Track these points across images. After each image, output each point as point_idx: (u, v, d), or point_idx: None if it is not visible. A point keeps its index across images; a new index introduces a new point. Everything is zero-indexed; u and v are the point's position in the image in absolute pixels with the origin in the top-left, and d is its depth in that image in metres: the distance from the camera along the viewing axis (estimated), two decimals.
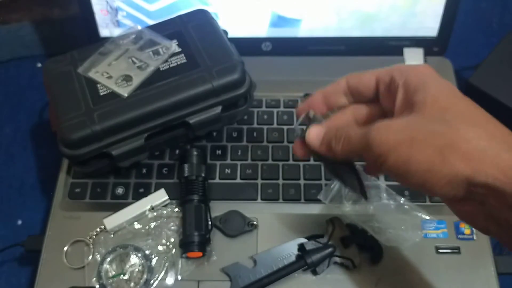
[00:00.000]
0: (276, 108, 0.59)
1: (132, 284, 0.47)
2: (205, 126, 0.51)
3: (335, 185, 0.50)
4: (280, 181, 0.54)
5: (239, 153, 0.56)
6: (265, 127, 0.58)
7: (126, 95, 0.49)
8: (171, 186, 0.53)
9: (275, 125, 0.58)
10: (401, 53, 0.64)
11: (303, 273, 0.48)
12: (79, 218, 0.52)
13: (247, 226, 0.50)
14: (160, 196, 0.52)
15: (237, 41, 0.54)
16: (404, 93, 0.35)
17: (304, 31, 0.62)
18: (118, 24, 0.62)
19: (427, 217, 0.50)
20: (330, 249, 0.48)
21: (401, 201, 0.50)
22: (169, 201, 0.52)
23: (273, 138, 0.57)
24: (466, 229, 0.50)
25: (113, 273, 0.48)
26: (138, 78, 0.50)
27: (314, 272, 0.48)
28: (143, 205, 0.51)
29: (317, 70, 0.63)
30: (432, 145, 0.31)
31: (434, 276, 0.48)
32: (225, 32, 0.55)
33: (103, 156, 0.49)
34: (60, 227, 0.51)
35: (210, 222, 0.50)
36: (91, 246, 0.50)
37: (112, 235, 0.50)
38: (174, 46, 0.52)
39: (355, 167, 0.40)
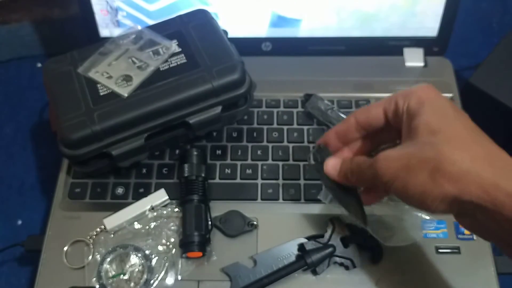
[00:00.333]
0: (276, 108, 0.59)
1: (132, 284, 0.47)
2: (205, 126, 0.51)
3: None
4: (280, 181, 0.54)
5: (239, 153, 0.56)
6: (265, 127, 0.58)
7: (126, 95, 0.49)
8: (171, 186, 0.53)
9: (275, 125, 0.58)
10: (401, 53, 0.64)
11: (303, 273, 0.48)
12: (79, 218, 0.52)
13: (247, 226, 0.50)
14: (160, 196, 0.52)
15: (237, 41, 0.54)
16: (407, 119, 0.39)
17: (304, 31, 0.62)
18: (118, 24, 0.62)
19: (427, 217, 0.50)
20: (330, 249, 0.48)
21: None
22: (169, 201, 0.52)
23: (273, 138, 0.57)
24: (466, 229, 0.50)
25: (113, 273, 0.48)
26: (138, 78, 0.50)
27: (314, 272, 0.48)
28: (143, 205, 0.51)
29: (317, 70, 0.63)
30: (424, 170, 0.35)
31: (434, 276, 0.48)
32: (225, 32, 0.55)
33: (103, 156, 0.49)
34: (60, 227, 0.51)
35: (210, 222, 0.50)
36: (91, 246, 0.50)
37: (112, 235, 0.50)
38: (174, 46, 0.52)
39: (359, 195, 0.44)
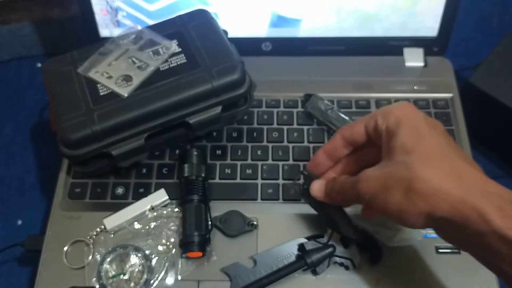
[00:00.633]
0: (276, 108, 0.59)
1: (132, 284, 0.47)
2: (205, 126, 0.51)
3: None
4: (280, 181, 0.54)
5: (239, 153, 0.56)
6: (265, 127, 0.58)
7: (126, 95, 0.49)
8: (171, 186, 0.53)
9: (275, 125, 0.58)
10: (401, 53, 0.64)
11: (303, 273, 0.48)
12: (79, 218, 0.52)
13: (247, 226, 0.50)
14: (160, 196, 0.52)
15: (237, 41, 0.54)
16: (386, 138, 0.41)
17: (304, 31, 0.62)
18: (118, 24, 0.62)
19: None
20: (330, 249, 0.48)
21: None
22: (169, 201, 0.52)
23: (273, 138, 0.57)
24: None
25: (113, 273, 0.48)
26: (138, 78, 0.50)
27: (314, 272, 0.48)
28: (143, 205, 0.51)
29: (317, 70, 0.63)
30: (399, 189, 0.37)
31: (434, 276, 0.48)
32: (225, 32, 0.55)
33: (103, 156, 0.49)
34: (60, 227, 0.51)
35: (210, 222, 0.50)
36: (91, 246, 0.50)
37: (112, 235, 0.50)
38: (174, 46, 0.52)
39: (346, 214, 0.47)
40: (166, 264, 0.49)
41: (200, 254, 0.48)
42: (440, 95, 0.60)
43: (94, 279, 0.48)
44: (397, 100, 0.60)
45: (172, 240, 0.50)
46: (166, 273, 0.48)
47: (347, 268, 0.48)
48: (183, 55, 0.52)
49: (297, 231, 0.50)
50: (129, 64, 0.51)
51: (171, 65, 0.51)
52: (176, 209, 0.51)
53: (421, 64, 0.64)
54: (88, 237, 0.50)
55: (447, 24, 0.61)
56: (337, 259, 0.48)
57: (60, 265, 0.49)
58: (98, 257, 0.49)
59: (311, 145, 0.56)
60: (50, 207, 0.53)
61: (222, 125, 0.56)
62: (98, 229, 0.50)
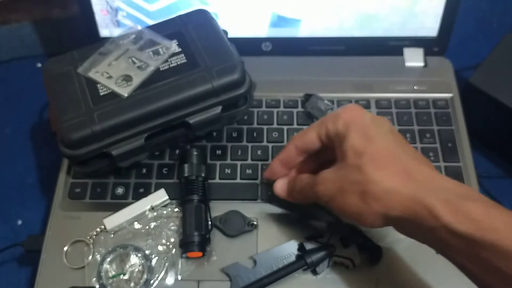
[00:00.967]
0: (276, 108, 0.59)
1: (132, 284, 0.47)
2: (205, 126, 0.51)
3: None
4: None
5: (239, 153, 0.56)
6: (265, 127, 0.58)
7: (126, 95, 0.49)
8: (171, 186, 0.53)
9: (275, 125, 0.58)
10: (401, 53, 0.64)
11: (303, 273, 0.48)
12: (79, 218, 0.52)
13: (247, 226, 0.50)
14: (160, 196, 0.52)
15: (237, 41, 0.54)
16: (337, 142, 0.42)
17: (304, 31, 0.62)
18: (118, 24, 0.62)
19: None
20: (330, 249, 0.48)
21: None
22: (169, 201, 0.52)
23: (273, 138, 0.57)
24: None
25: (113, 273, 0.48)
26: (138, 78, 0.50)
27: (314, 272, 0.48)
28: (143, 205, 0.51)
29: (317, 70, 0.63)
30: (355, 192, 0.38)
31: (434, 276, 0.48)
32: (225, 32, 0.55)
33: (103, 156, 0.49)
34: (60, 227, 0.51)
35: (210, 222, 0.50)
36: (91, 246, 0.50)
37: (112, 235, 0.50)
38: (174, 46, 0.52)
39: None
40: (166, 264, 0.49)
41: (200, 254, 0.48)
42: (440, 95, 0.60)
43: (94, 279, 0.48)
44: (397, 100, 0.60)
45: (172, 240, 0.50)
46: (166, 273, 0.48)
47: (347, 268, 0.48)
48: (183, 55, 0.52)
49: (297, 231, 0.50)
50: (129, 64, 0.51)
51: (171, 65, 0.51)
52: (176, 209, 0.51)
53: (421, 64, 0.64)
54: (88, 237, 0.50)
55: (447, 24, 0.61)
56: (337, 259, 0.48)
57: (60, 265, 0.49)
58: (98, 257, 0.49)
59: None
60: (50, 207, 0.53)
61: (222, 125, 0.56)
62: (98, 229, 0.50)
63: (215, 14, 0.59)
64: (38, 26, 0.70)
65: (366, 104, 0.59)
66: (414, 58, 0.63)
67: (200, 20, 0.55)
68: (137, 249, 0.49)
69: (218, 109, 0.51)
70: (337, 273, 0.48)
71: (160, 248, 0.49)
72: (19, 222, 0.60)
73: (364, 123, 0.40)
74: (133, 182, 0.54)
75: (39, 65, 0.73)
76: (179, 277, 0.48)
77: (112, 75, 0.50)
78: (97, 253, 0.49)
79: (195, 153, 0.52)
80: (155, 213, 0.51)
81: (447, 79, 0.62)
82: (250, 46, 0.62)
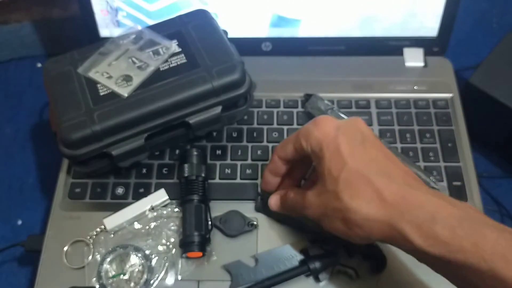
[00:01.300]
0: (276, 108, 0.59)
1: (132, 284, 0.47)
2: (205, 126, 0.51)
3: None
4: None
5: (239, 153, 0.56)
6: (265, 127, 0.58)
7: (126, 95, 0.49)
8: (171, 186, 0.53)
9: (275, 125, 0.58)
10: (401, 53, 0.64)
11: (305, 279, 0.48)
12: (79, 218, 0.52)
13: (247, 226, 0.50)
14: (160, 196, 0.52)
15: (237, 41, 0.54)
16: (315, 161, 0.42)
17: (304, 31, 0.62)
18: (118, 24, 0.62)
19: None
20: (334, 257, 0.47)
21: None
22: (169, 201, 0.52)
23: (273, 138, 0.57)
24: None
25: (113, 273, 0.48)
26: (138, 78, 0.50)
27: (317, 279, 0.47)
28: (143, 205, 0.51)
29: (317, 70, 0.63)
30: (337, 218, 0.40)
31: (434, 276, 0.48)
32: (225, 32, 0.55)
33: (103, 156, 0.49)
34: (60, 227, 0.51)
35: (210, 222, 0.50)
36: (91, 246, 0.50)
37: (112, 235, 0.50)
38: (174, 46, 0.52)
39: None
40: (166, 264, 0.49)
41: (200, 254, 0.48)
42: (440, 95, 0.60)
43: (94, 279, 0.48)
44: (397, 100, 0.60)
45: (172, 240, 0.50)
46: (166, 273, 0.48)
47: (350, 277, 0.47)
48: (183, 55, 0.52)
49: (297, 231, 0.50)
50: (129, 64, 0.51)
51: (171, 65, 0.51)
52: (176, 209, 0.51)
53: (421, 64, 0.63)
54: (88, 237, 0.50)
55: (447, 24, 0.61)
56: (341, 268, 0.47)
57: (60, 265, 0.49)
58: (98, 257, 0.49)
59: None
60: (50, 207, 0.53)
61: (222, 125, 0.56)
62: (98, 229, 0.50)
63: (215, 14, 0.59)
64: (38, 26, 0.70)
65: (366, 104, 0.59)
66: (414, 58, 0.63)
67: (200, 20, 0.55)
68: (137, 249, 0.49)
69: (218, 109, 0.51)
70: (339, 282, 0.48)
71: (160, 248, 0.49)
72: (19, 222, 0.60)
73: (335, 142, 0.41)
74: (133, 182, 0.54)
75: (39, 65, 0.73)
76: (179, 277, 0.48)
77: (112, 75, 0.50)
78: (97, 253, 0.49)
79: (195, 153, 0.52)
80: (155, 213, 0.51)
81: (447, 79, 0.62)
82: (250, 46, 0.62)
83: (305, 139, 0.43)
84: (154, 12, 0.61)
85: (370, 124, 0.58)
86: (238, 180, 0.54)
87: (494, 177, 0.61)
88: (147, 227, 0.50)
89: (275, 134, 0.57)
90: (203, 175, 0.52)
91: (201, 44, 0.52)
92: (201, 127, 0.51)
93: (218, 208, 0.51)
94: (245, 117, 0.58)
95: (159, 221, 0.51)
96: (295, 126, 0.58)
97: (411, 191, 0.38)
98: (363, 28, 0.62)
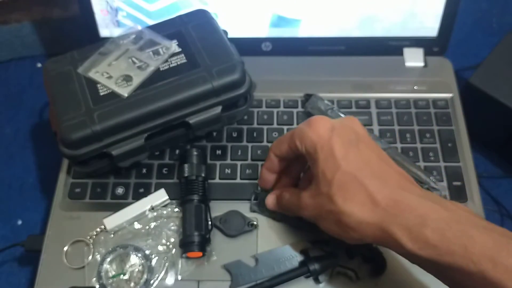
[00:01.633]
0: (276, 108, 0.59)
1: (132, 284, 0.47)
2: (205, 126, 0.51)
3: None
4: None
5: (239, 153, 0.56)
6: (265, 127, 0.58)
7: (126, 95, 0.49)
8: (171, 186, 0.53)
9: (275, 125, 0.58)
10: (401, 53, 0.64)
11: (305, 280, 0.48)
12: (79, 218, 0.52)
13: (247, 226, 0.50)
14: (160, 196, 0.52)
15: (237, 41, 0.54)
16: (309, 162, 0.43)
17: (304, 31, 0.63)
18: (118, 24, 0.62)
19: None
20: (334, 258, 0.47)
21: None
22: (169, 201, 0.52)
23: (273, 138, 0.57)
24: None
25: (113, 273, 0.48)
26: (138, 78, 0.50)
27: (316, 280, 0.47)
28: (143, 205, 0.51)
29: (317, 70, 0.63)
30: (332, 221, 0.41)
31: (433, 279, 0.48)
32: (225, 32, 0.55)
33: (103, 156, 0.49)
34: (60, 227, 0.51)
35: (210, 222, 0.50)
36: (91, 246, 0.50)
37: (112, 235, 0.50)
38: (174, 46, 0.52)
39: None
40: (166, 264, 0.49)
41: (200, 254, 0.48)
42: (440, 95, 0.60)
43: (94, 279, 0.48)
44: (397, 100, 0.60)
45: (172, 240, 0.50)
46: (166, 273, 0.48)
47: (350, 279, 0.47)
48: (183, 55, 0.52)
49: (297, 231, 0.50)
50: (129, 64, 0.51)
51: (171, 65, 0.51)
52: (176, 209, 0.51)
53: (421, 64, 0.63)
54: (88, 237, 0.50)
55: (447, 24, 0.61)
56: (341, 269, 0.47)
57: (60, 265, 0.49)
58: (98, 257, 0.49)
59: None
60: (50, 207, 0.53)
61: (222, 125, 0.56)
62: (98, 229, 0.50)
63: (215, 14, 0.59)
64: (38, 26, 0.70)
65: (366, 104, 0.59)
66: (414, 58, 0.63)
67: (200, 20, 0.55)
68: (137, 249, 0.49)
69: (218, 109, 0.51)
70: (339, 283, 0.48)
71: (160, 248, 0.49)
72: (19, 222, 0.60)
73: (329, 144, 0.41)
74: (133, 182, 0.54)
75: (39, 65, 0.73)
76: (179, 277, 0.48)
77: (112, 75, 0.50)
78: (97, 253, 0.49)
79: (195, 153, 0.52)
80: (155, 213, 0.51)
81: (447, 79, 0.62)
82: (250, 46, 0.62)
83: (299, 139, 0.43)
84: (154, 12, 0.61)
85: (370, 124, 0.58)
86: (238, 180, 0.54)
87: (494, 177, 0.61)
88: (147, 227, 0.50)
89: (275, 134, 0.57)
90: (203, 175, 0.52)
91: (201, 44, 0.52)
92: (201, 127, 0.51)
93: (218, 208, 0.51)
94: (245, 117, 0.58)
95: (159, 221, 0.51)
96: (295, 126, 0.58)
97: (403, 194, 0.38)
98: (363, 28, 0.62)
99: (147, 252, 0.49)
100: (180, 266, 0.49)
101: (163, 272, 0.48)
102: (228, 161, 0.55)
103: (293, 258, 0.48)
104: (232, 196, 0.53)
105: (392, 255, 0.48)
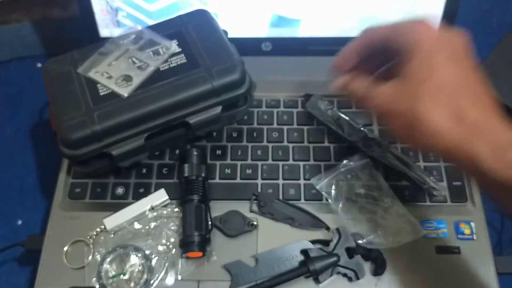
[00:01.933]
0: (276, 108, 0.59)
1: (132, 284, 0.47)
2: (205, 126, 0.51)
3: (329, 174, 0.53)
4: (280, 181, 0.54)
5: (239, 153, 0.56)
6: (265, 127, 0.58)
7: (126, 95, 0.49)
8: (171, 186, 0.53)
9: (275, 125, 0.58)
10: None
11: (305, 280, 0.48)
12: (79, 218, 0.52)
13: (247, 226, 0.50)
14: (160, 196, 0.52)
15: (237, 41, 0.54)
16: (404, 57, 0.40)
17: (304, 31, 0.62)
18: (118, 24, 0.62)
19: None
20: (334, 258, 0.47)
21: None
22: (169, 201, 0.52)
23: (273, 138, 0.57)
24: (466, 229, 0.50)
25: (113, 273, 0.48)
26: (138, 78, 0.50)
27: (316, 280, 0.47)
28: (143, 205, 0.51)
29: (317, 70, 0.62)
30: (404, 121, 0.39)
31: (434, 276, 0.48)
32: (225, 32, 0.55)
33: (103, 156, 0.49)
34: (60, 227, 0.51)
35: (210, 222, 0.50)
36: (91, 246, 0.50)
37: (112, 235, 0.50)
38: (174, 46, 0.52)
39: None
40: (166, 264, 0.49)
41: (200, 254, 0.48)
42: None
43: (94, 279, 0.48)
44: None
45: (172, 240, 0.50)
46: (166, 273, 0.48)
47: (350, 279, 0.48)
48: (183, 55, 0.52)
49: (297, 232, 0.50)
50: (129, 64, 0.51)
51: (171, 65, 0.51)
52: (176, 209, 0.51)
53: None
54: (88, 237, 0.50)
55: (447, 24, 0.61)
56: (341, 269, 0.47)
57: (60, 265, 0.49)
58: (98, 257, 0.49)
59: (311, 145, 0.56)
60: (50, 207, 0.53)
61: (222, 125, 0.56)
62: (98, 229, 0.50)
63: (215, 14, 0.59)
64: (38, 26, 0.70)
65: None
66: None
67: (200, 20, 0.55)
68: (137, 249, 0.49)
69: (218, 109, 0.51)
70: (339, 283, 0.48)
71: (160, 248, 0.49)
72: (19, 222, 0.60)
73: (433, 49, 0.40)
74: (133, 182, 0.54)
75: (39, 65, 0.73)
76: (179, 277, 0.48)
77: (112, 75, 0.50)
78: (97, 253, 0.49)
79: (195, 153, 0.52)
80: (155, 213, 0.51)
81: None
82: (250, 46, 0.62)
83: (403, 35, 0.41)
84: (154, 12, 0.61)
85: (370, 124, 0.58)
86: (238, 180, 0.54)
87: None
88: (147, 227, 0.50)
89: (275, 134, 0.57)
90: (203, 175, 0.52)
91: (201, 44, 0.52)
92: (201, 127, 0.51)
93: (218, 208, 0.51)
94: (245, 117, 0.58)
95: (159, 221, 0.51)
96: (295, 126, 0.58)
97: (492, 116, 0.38)
98: (363, 28, 0.62)
99: (147, 252, 0.49)
100: (180, 266, 0.49)
101: (163, 272, 0.48)
102: (228, 161, 0.55)
103: (293, 258, 0.48)
104: (232, 196, 0.53)
105: (392, 255, 0.48)
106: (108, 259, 0.48)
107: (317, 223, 0.50)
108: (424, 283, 0.48)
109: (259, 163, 0.55)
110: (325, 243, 0.49)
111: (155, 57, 0.52)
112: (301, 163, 0.55)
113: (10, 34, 0.70)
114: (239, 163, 0.55)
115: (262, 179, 0.54)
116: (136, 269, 0.48)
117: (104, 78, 0.50)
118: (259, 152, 0.56)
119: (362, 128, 0.55)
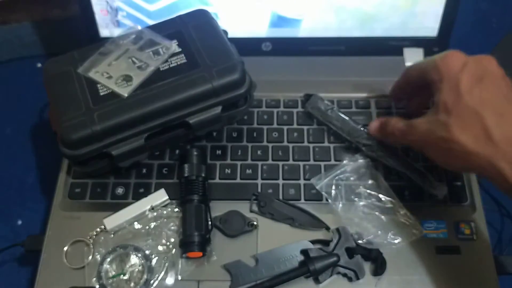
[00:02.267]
0: (276, 108, 0.59)
1: (132, 284, 0.47)
2: (205, 126, 0.51)
3: (329, 174, 0.53)
4: (280, 181, 0.54)
5: (239, 153, 0.56)
6: (265, 127, 0.58)
7: (126, 95, 0.49)
8: (171, 186, 0.53)
9: (275, 125, 0.58)
10: (401, 53, 0.64)
11: (305, 280, 0.48)
12: (79, 218, 0.52)
13: (247, 226, 0.50)
14: (160, 196, 0.52)
15: (237, 41, 0.54)
16: (434, 90, 0.45)
17: (304, 31, 0.62)
18: (118, 24, 0.62)
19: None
20: (334, 258, 0.47)
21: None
22: (169, 201, 0.52)
23: (273, 138, 0.57)
24: (466, 229, 0.50)
25: (113, 273, 0.48)
26: (138, 78, 0.50)
27: (316, 280, 0.47)
28: (143, 205, 0.51)
29: (317, 70, 0.63)
30: (441, 148, 0.44)
31: (434, 276, 0.48)
32: (225, 32, 0.55)
33: (103, 156, 0.49)
34: (60, 227, 0.51)
35: (210, 222, 0.50)
36: (91, 246, 0.50)
37: (112, 235, 0.50)
38: (174, 46, 0.52)
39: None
40: (166, 264, 0.49)
41: (200, 254, 0.48)
42: None
43: (94, 279, 0.48)
44: None
45: (172, 240, 0.50)
46: (166, 273, 0.48)
47: (350, 279, 0.47)
48: (183, 55, 0.52)
49: (297, 232, 0.50)
50: (129, 64, 0.51)
51: (171, 65, 0.51)
52: (176, 209, 0.51)
53: None
54: (88, 237, 0.50)
55: (447, 24, 0.61)
56: (341, 269, 0.47)
57: (60, 265, 0.49)
58: (98, 257, 0.49)
59: (311, 145, 0.56)
60: (50, 207, 0.53)
61: (222, 125, 0.56)
62: (98, 229, 0.50)
63: (215, 14, 0.59)
64: (38, 26, 0.70)
65: (366, 104, 0.59)
66: (414, 58, 0.63)
67: (200, 20, 0.55)
68: (137, 249, 0.49)
69: (218, 109, 0.51)
70: (339, 283, 0.48)
71: (160, 248, 0.49)
72: (19, 222, 0.60)
73: (458, 78, 0.43)
74: (133, 182, 0.54)
75: (39, 65, 0.73)
76: (179, 277, 0.48)
77: (112, 75, 0.50)
78: (97, 253, 0.49)
79: (195, 153, 0.52)
80: (155, 213, 0.51)
81: None
82: (250, 46, 0.62)
83: (433, 69, 0.45)
84: (154, 12, 0.61)
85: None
86: (238, 180, 0.54)
87: None
88: (147, 227, 0.50)
89: (275, 134, 0.57)
90: (203, 175, 0.52)
91: (201, 44, 0.52)
92: (201, 127, 0.51)
93: (218, 208, 0.51)
94: (245, 117, 0.58)
95: (159, 221, 0.51)
96: (295, 126, 0.58)
97: None
98: (363, 28, 0.62)
99: (147, 252, 0.49)
100: (180, 266, 0.49)
101: (163, 272, 0.48)
102: (228, 161, 0.55)
103: (293, 258, 0.48)
104: (232, 196, 0.53)
105: (392, 255, 0.48)
106: (108, 259, 0.48)
107: (317, 223, 0.50)
108: (424, 283, 0.48)
109: (259, 163, 0.55)
110: (325, 243, 0.49)
111: (155, 57, 0.52)
112: (301, 163, 0.55)
113: (10, 34, 0.70)
114: (239, 163, 0.55)
115: (262, 179, 0.54)
116: (136, 269, 0.48)
117: (104, 78, 0.50)
118: (259, 152, 0.56)
119: (362, 128, 0.55)
